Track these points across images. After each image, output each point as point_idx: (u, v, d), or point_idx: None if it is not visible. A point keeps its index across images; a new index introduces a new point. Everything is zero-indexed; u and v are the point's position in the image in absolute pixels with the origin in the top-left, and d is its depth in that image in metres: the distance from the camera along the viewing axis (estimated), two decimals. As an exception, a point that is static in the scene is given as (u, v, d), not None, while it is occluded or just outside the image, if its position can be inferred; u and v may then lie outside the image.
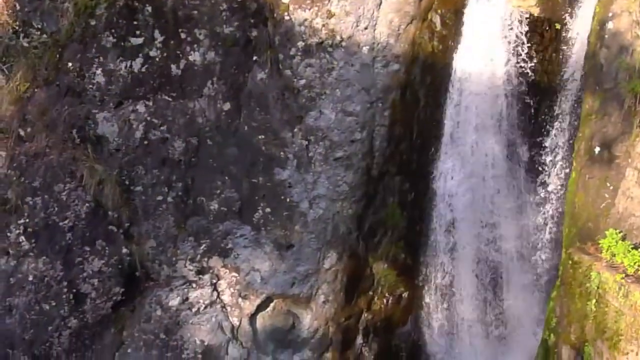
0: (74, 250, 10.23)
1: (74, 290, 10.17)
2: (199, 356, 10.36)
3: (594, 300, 7.79)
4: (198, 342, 10.39)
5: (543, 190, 10.13)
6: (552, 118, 9.95)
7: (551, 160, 9.89)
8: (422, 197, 10.50)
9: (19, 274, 10.20)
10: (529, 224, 10.29)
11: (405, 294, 10.64)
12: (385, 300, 10.60)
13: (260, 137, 10.25)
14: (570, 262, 8.16)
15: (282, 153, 10.24)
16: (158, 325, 10.40)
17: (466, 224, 10.37)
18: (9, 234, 10.17)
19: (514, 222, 10.37)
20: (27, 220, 10.16)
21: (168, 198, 10.44)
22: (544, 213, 10.14)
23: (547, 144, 9.90)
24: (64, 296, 10.16)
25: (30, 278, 10.16)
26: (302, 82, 10.10)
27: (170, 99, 10.36)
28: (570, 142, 9.47)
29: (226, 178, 10.37)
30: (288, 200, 10.28)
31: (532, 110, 10.24)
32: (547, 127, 9.96)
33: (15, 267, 10.21)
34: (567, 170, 9.35)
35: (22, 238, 10.18)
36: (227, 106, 10.32)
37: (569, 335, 8.25)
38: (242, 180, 10.35)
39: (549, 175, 10.01)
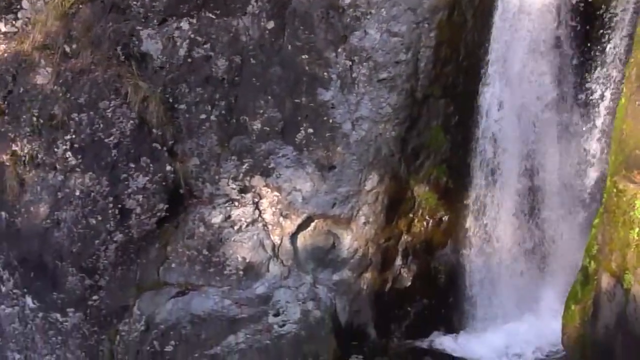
0: (119, 166, 10.39)
1: (120, 206, 10.37)
2: (241, 272, 10.55)
3: (637, 229, 7.71)
4: (240, 259, 10.57)
5: (592, 117, 9.96)
6: (605, 42, 9.68)
7: (601, 86, 9.69)
8: (466, 121, 10.36)
9: (66, 188, 10.43)
10: (574, 151, 10.16)
11: (445, 217, 10.64)
12: (425, 223, 10.62)
13: (303, 56, 10.14)
14: (614, 190, 8.06)
15: (325, 73, 10.13)
16: (201, 242, 10.59)
17: (510, 149, 10.23)
18: (56, 150, 10.37)
19: (560, 148, 10.24)
20: (74, 136, 10.32)
21: (211, 116, 10.49)
22: (591, 140, 10.00)
23: (597, 69, 9.68)
24: (110, 211, 10.38)
25: (77, 193, 10.38)
26: (348, 0, 9.92)
27: (214, 17, 10.28)
28: (622, 67, 9.24)
29: (269, 97, 10.34)
30: (331, 121, 10.22)
31: (584, 34, 9.96)
32: (599, 51, 9.71)
33: (63, 182, 10.44)
34: (617, 97, 9.14)
35: (69, 154, 10.37)
36: (270, 24, 10.22)
37: (610, 263, 8.22)
38: (285, 100, 10.30)
39: (598, 102, 9.84)
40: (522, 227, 10.63)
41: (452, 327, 10.71)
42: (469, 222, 10.63)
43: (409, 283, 10.63)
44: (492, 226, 10.59)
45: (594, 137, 10.13)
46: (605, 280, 8.35)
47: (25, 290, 10.58)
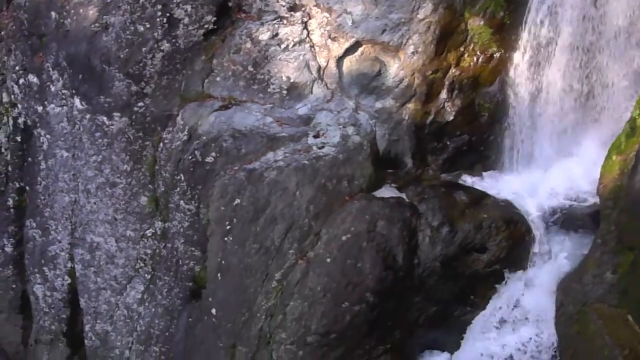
0: (168, -27, 10.13)
1: (168, 15, 10.22)
2: (284, 92, 10.46)
3: (694, 85, 7.34)
4: (284, 78, 10.43)
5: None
6: None
7: None
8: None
9: (115, -9, 10.26)
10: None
11: (497, 54, 10.18)
12: (475, 58, 10.21)
13: None
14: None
15: None
16: (247, 58, 10.43)
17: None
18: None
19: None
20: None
21: None
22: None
23: None
24: (158, 19, 10.23)
25: (126, -2, 10.23)
26: None
27: None
28: None
29: None
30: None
31: None
32: None
33: (111, -15, 10.26)
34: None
35: (119, -44, 10.13)
36: None
37: (660, 117, 7.94)
38: None
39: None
40: (575, 69, 10.14)
41: (489, 165, 10.59)
42: (520, 61, 10.18)
43: (452, 117, 10.41)
44: (544, 66, 10.13)
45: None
46: (651, 133, 8.11)
47: (73, 91, 10.73)
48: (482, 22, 10.06)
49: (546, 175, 10.24)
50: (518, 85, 10.30)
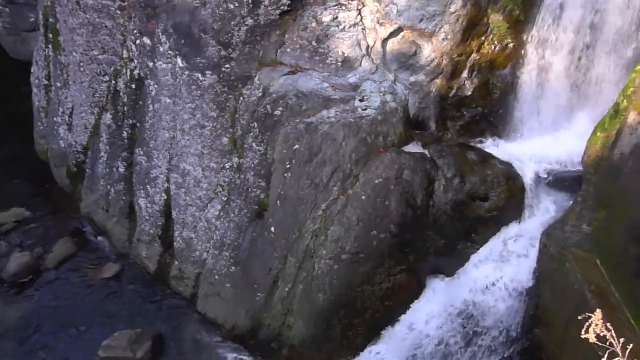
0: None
1: (253, -4, 10.18)
2: (339, 63, 10.42)
3: (670, 80, 7.09)
4: (340, 52, 10.38)
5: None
6: None
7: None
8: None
9: (213, -24, 10.20)
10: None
11: (510, 44, 9.95)
12: (493, 46, 10.00)
13: None
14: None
15: None
16: (312, 35, 10.39)
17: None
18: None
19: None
20: None
21: None
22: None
23: None
24: (245, 0, 10.20)
25: (220, -17, 10.17)
26: None
27: None
28: None
29: None
30: (431, -53, 9.38)
31: None
32: None
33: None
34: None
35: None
36: None
37: None
38: None
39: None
40: (574, 60, 9.84)
41: (497, 133, 10.43)
42: (529, 51, 9.94)
43: (470, 92, 10.25)
44: (549, 57, 9.87)
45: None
46: (632, 117, 7.90)
47: (176, 52, 10.83)
48: (501, 18, 9.82)
49: (542, 144, 10.09)
50: (526, 70, 10.09)
